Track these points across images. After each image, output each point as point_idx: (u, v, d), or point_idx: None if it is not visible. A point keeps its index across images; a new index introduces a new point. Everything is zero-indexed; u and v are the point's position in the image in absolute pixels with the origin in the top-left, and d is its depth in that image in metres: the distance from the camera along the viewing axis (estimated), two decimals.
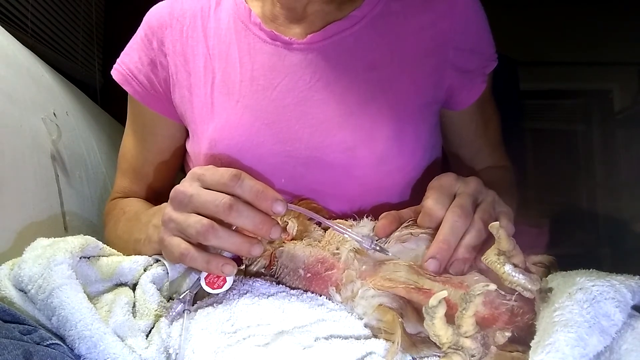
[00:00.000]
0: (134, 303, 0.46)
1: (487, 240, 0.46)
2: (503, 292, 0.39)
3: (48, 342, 0.36)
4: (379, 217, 0.49)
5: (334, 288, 0.47)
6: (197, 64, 0.63)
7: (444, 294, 0.35)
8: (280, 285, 0.49)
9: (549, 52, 2.44)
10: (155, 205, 0.60)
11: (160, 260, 0.51)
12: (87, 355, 0.38)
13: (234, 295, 0.47)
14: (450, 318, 0.37)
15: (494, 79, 0.69)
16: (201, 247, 0.45)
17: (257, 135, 0.59)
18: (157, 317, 0.45)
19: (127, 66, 0.67)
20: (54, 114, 0.82)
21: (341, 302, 0.46)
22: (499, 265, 0.39)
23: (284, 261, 0.50)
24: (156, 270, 0.49)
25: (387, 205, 0.61)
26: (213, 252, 0.45)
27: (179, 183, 0.48)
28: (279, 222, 0.49)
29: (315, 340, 0.41)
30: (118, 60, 0.68)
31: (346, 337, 0.41)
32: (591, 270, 0.38)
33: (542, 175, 2.55)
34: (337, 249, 0.49)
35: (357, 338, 0.42)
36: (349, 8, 0.62)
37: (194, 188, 0.46)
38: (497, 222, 0.38)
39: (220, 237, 0.43)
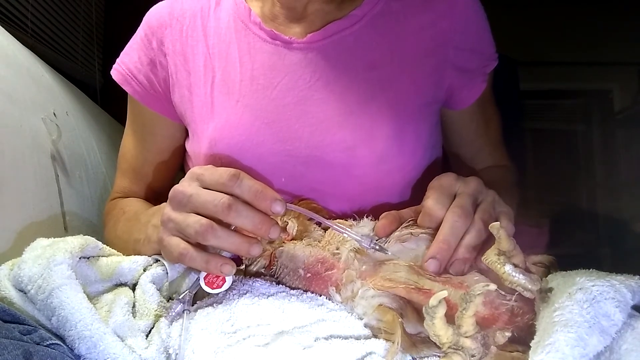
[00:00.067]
0: (134, 303, 0.46)
1: (487, 240, 0.46)
2: (503, 292, 0.39)
3: (48, 342, 0.36)
4: (379, 217, 0.49)
5: (334, 288, 0.47)
6: (197, 63, 0.63)
7: (444, 294, 0.35)
8: (280, 285, 0.49)
9: (549, 52, 2.44)
10: (155, 205, 0.60)
11: (159, 260, 0.51)
12: (87, 355, 0.38)
13: (233, 295, 0.47)
14: (450, 318, 0.37)
15: (494, 79, 0.69)
16: (200, 247, 0.45)
17: (257, 134, 0.59)
18: (157, 317, 0.45)
19: (126, 66, 0.67)
20: (54, 114, 0.82)
21: (341, 302, 0.46)
22: (499, 265, 0.39)
23: (283, 261, 0.50)
24: (156, 270, 0.49)
25: (387, 205, 0.61)
26: (212, 252, 0.45)
27: (178, 183, 0.48)
28: (279, 222, 0.49)
29: (315, 340, 0.41)
30: (118, 60, 0.68)
31: (346, 337, 0.41)
32: (591, 270, 0.38)
33: (542, 175, 2.55)
34: (337, 249, 0.49)
35: (357, 338, 0.42)
36: (349, 7, 0.62)
37: (193, 188, 0.46)
38: (498, 222, 0.38)
39: (219, 237, 0.43)
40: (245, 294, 0.47)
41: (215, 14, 0.65)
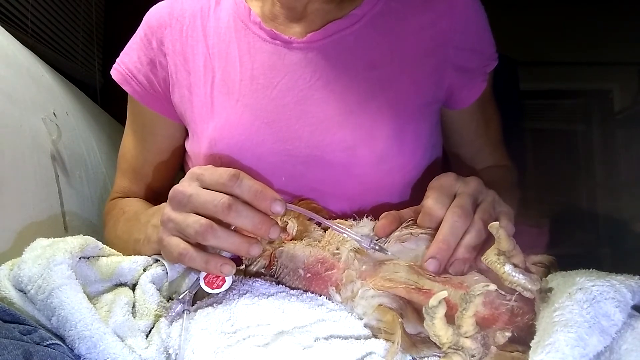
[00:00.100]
0: (134, 303, 0.46)
1: (487, 240, 0.46)
2: (503, 292, 0.39)
3: (48, 342, 0.36)
4: (379, 217, 0.49)
5: (334, 288, 0.47)
6: (197, 63, 0.63)
7: (444, 294, 0.35)
8: (280, 285, 0.49)
9: (549, 52, 2.44)
10: (155, 205, 0.60)
11: (159, 260, 0.51)
12: (87, 355, 0.38)
13: (233, 295, 0.47)
14: (450, 318, 0.37)
15: (494, 79, 0.69)
16: (200, 247, 0.45)
17: (257, 134, 0.59)
18: (157, 317, 0.45)
19: (126, 66, 0.67)
20: (54, 114, 0.82)
21: (341, 302, 0.46)
22: (499, 265, 0.39)
23: (283, 261, 0.50)
24: (155, 270, 0.49)
25: (387, 205, 0.61)
26: (212, 252, 0.45)
27: (178, 183, 0.48)
28: (279, 222, 0.49)
29: (315, 341, 0.41)
30: (117, 60, 0.68)
31: (346, 337, 0.41)
32: (591, 270, 0.38)
33: (542, 175, 2.55)
34: (337, 249, 0.49)
35: (357, 338, 0.42)
36: (349, 7, 0.62)
37: (193, 188, 0.46)
38: (497, 222, 0.38)
39: (219, 237, 0.43)
40: (245, 294, 0.47)
41: (215, 13, 0.65)
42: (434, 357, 0.40)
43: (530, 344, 0.34)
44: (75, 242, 0.45)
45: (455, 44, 0.63)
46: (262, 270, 0.51)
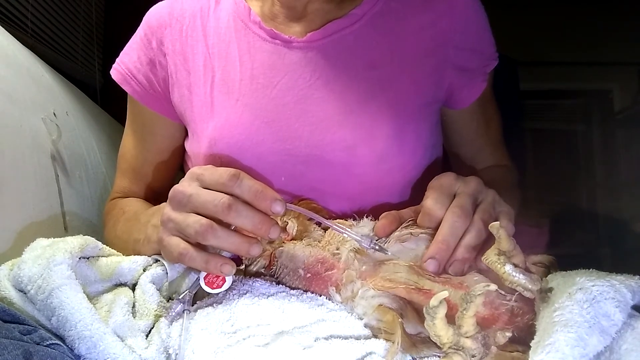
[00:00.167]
0: (134, 303, 0.46)
1: (487, 240, 0.45)
2: (503, 292, 0.39)
3: (48, 342, 0.36)
4: (379, 217, 0.49)
5: (334, 288, 0.47)
6: (197, 63, 0.63)
7: (445, 294, 0.35)
8: (280, 285, 0.49)
9: (549, 52, 2.44)
10: (155, 205, 0.60)
11: (159, 260, 0.51)
12: (87, 355, 0.38)
13: (233, 295, 0.47)
14: (450, 318, 0.37)
15: (494, 79, 0.69)
16: (200, 246, 0.45)
17: (257, 133, 0.59)
18: (157, 317, 0.45)
19: (126, 66, 0.67)
20: (54, 114, 0.82)
21: (341, 302, 0.46)
22: (499, 265, 0.39)
23: (283, 261, 0.50)
24: (155, 270, 0.49)
25: (387, 205, 0.61)
26: (212, 252, 0.45)
27: (178, 183, 0.48)
28: (279, 222, 0.49)
29: (315, 341, 0.41)
30: (117, 60, 0.68)
31: (346, 337, 0.41)
32: (591, 270, 0.38)
33: (542, 175, 2.55)
34: (337, 249, 0.49)
35: (357, 338, 0.41)
36: (349, 6, 0.62)
37: (193, 188, 0.46)
38: (498, 222, 0.38)
39: (219, 237, 0.43)
40: (245, 294, 0.47)
41: (215, 13, 0.65)
42: (434, 357, 0.40)
43: (530, 344, 0.34)
44: (75, 242, 0.45)
45: (455, 43, 0.63)
46: (262, 270, 0.51)
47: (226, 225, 0.44)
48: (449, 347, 0.37)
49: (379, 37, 0.61)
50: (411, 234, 0.47)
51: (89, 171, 0.91)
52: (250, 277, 0.51)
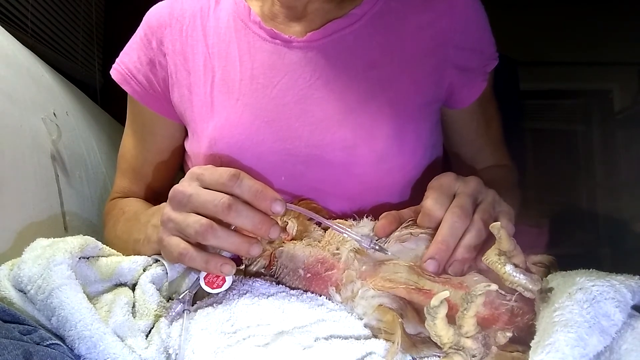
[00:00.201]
0: (134, 303, 0.46)
1: (487, 240, 0.45)
2: (503, 292, 0.39)
3: (48, 342, 0.36)
4: (379, 217, 0.49)
5: (334, 288, 0.47)
6: (197, 62, 0.63)
7: (445, 294, 0.35)
8: (280, 285, 0.49)
9: (549, 52, 2.44)
10: (155, 205, 0.60)
11: (159, 260, 0.51)
12: (87, 355, 0.38)
13: (233, 295, 0.47)
14: (450, 318, 0.37)
15: (494, 79, 0.69)
16: (200, 246, 0.45)
17: (257, 133, 0.59)
18: (157, 317, 0.45)
19: (126, 66, 0.67)
20: (54, 114, 0.82)
21: (341, 302, 0.46)
22: (499, 266, 0.39)
23: (283, 261, 0.50)
24: (155, 270, 0.49)
25: (387, 205, 0.61)
26: (212, 252, 0.45)
27: (178, 183, 0.48)
28: (279, 222, 0.49)
29: (315, 341, 0.41)
30: (117, 60, 0.68)
31: (346, 337, 0.41)
32: (591, 270, 0.38)
33: (542, 175, 2.55)
34: (337, 249, 0.49)
35: (357, 338, 0.41)
36: (349, 6, 0.62)
37: (193, 188, 0.46)
38: (498, 223, 0.38)
39: (219, 237, 0.43)
40: (245, 294, 0.47)
41: (214, 13, 0.65)
42: (434, 357, 0.40)
43: (530, 344, 0.34)
44: (75, 242, 0.45)
45: (455, 43, 0.63)
46: (262, 270, 0.51)
47: (226, 225, 0.44)
48: (450, 347, 0.37)
49: (379, 36, 0.61)
50: (411, 234, 0.47)
51: (89, 171, 0.91)
52: (250, 277, 0.51)
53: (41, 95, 0.81)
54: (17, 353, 0.32)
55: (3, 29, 0.77)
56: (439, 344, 0.38)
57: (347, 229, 0.46)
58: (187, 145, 0.67)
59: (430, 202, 0.47)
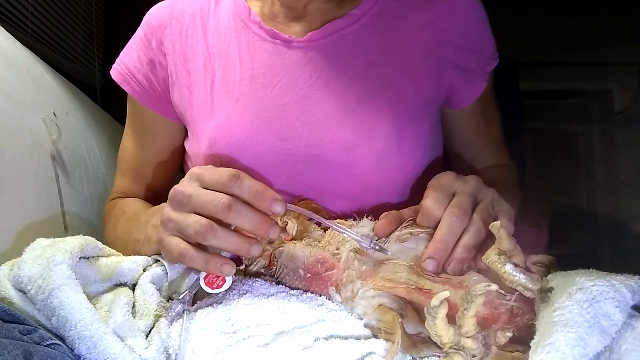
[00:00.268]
0: (134, 303, 0.46)
1: (487, 240, 0.45)
2: (503, 292, 0.39)
3: (48, 342, 0.36)
4: (379, 217, 0.49)
5: (334, 288, 0.47)
6: (197, 62, 0.63)
7: (446, 294, 0.35)
8: (280, 286, 0.49)
9: (549, 52, 2.44)
10: (155, 205, 0.60)
11: (159, 261, 0.51)
12: (87, 355, 0.38)
13: (233, 295, 0.47)
14: (450, 318, 0.37)
15: (494, 79, 0.69)
16: (200, 247, 0.45)
17: (257, 133, 0.59)
18: (157, 318, 0.45)
19: (126, 66, 0.67)
20: (54, 114, 0.82)
21: (341, 302, 0.46)
22: (499, 265, 0.39)
23: (283, 261, 0.50)
24: (155, 270, 0.49)
25: (387, 205, 0.61)
26: (212, 252, 0.45)
27: (178, 183, 0.48)
28: (279, 222, 0.49)
29: (315, 341, 0.41)
30: (117, 60, 0.68)
31: (346, 337, 0.41)
32: (591, 270, 0.38)
33: (542, 175, 2.55)
34: (337, 249, 0.49)
35: (357, 338, 0.41)
36: (349, 6, 0.62)
37: (193, 188, 0.46)
38: (498, 222, 0.38)
39: (219, 237, 0.43)
40: (245, 294, 0.47)
41: (215, 13, 0.65)
42: (434, 357, 0.40)
43: (530, 344, 0.34)
44: (75, 242, 0.45)
45: (455, 43, 0.63)
46: (262, 270, 0.51)
47: (226, 226, 0.44)
48: (450, 347, 0.37)
49: (379, 37, 0.61)
50: (411, 233, 0.47)
51: (89, 171, 0.91)
52: (250, 277, 0.51)
53: (41, 95, 0.81)
54: (17, 353, 0.32)
55: (3, 29, 0.77)
56: (439, 344, 0.38)
57: (347, 229, 0.46)
58: (187, 145, 0.68)
59: (430, 202, 0.47)
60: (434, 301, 0.36)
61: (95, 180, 0.92)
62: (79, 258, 0.45)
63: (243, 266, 0.52)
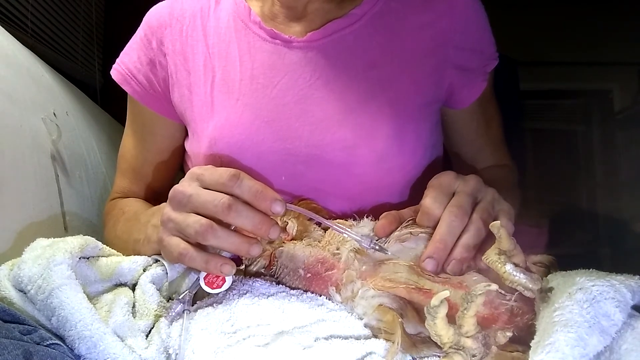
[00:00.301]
0: (134, 303, 0.46)
1: (487, 240, 0.45)
2: (503, 292, 0.39)
3: (48, 342, 0.36)
4: (379, 217, 0.49)
5: (334, 288, 0.47)
6: (197, 62, 0.63)
7: (446, 294, 0.35)
8: (280, 285, 0.49)
9: (549, 52, 2.44)
10: (155, 205, 0.60)
11: (159, 261, 0.51)
12: (87, 355, 0.38)
13: (233, 295, 0.47)
14: (450, 318, 0.37)
15: (494, 79, 0.69)
16: (200, 247, 0.45)
17: (257, 133, 0.59)
18: (157, 317, 0.45)
19: (126, 66, 0.67)
20: (54, 114, 0.82)
21: (341, 302, 0.46)
22: (499, 265, 0.39)
23: (283, 261, 0.50)
24: (155, 270, 0.49)
25: (387, 205, 0.61)
26: (212, 252, 0.45)
27: (178, 183, 0.48)
28: (279, 222, 0.49)
29: (315, 341, 0.41)
30: (117, 60, 0.68)
31: (346, 337, 0.41)
32: (591, 270, 0.38)
33: (542, 175, 2.55)
34: (337, 249, 0.49)
35: (357, 338, 0.41)
36: (349, 6, 0.62)
37: (193, 188, 0.46)
38: (498, 222, 0.38)
39: (219, 237, 0.43)
40: (245, 294, 0.47)
41: (215, 13, 0.65)
42: (434, 357, 0.40)
43: (530, 344, 0.34)
44: (75, 242, 0.45)
45: (455, 43, 0.63)
46: (262, 270, 0.51)
47: (226, 226, 0.44)
48: (450, 347, 0.37)
49: (379, 37, 0.61)
50: (411, 233, 0.47)
51: (89, 171, 0.91)
52: (250, 277, 0.51)
53: (41, 95, 0.81)
54: (17, 353, 0.32)
55: (3, 29, 0.77)
56: (439, 344, 0.38)
57: (347, 229, 0.46)
58: (187, 145, 0.68)
59: (429, 201, 0.47)
60: (434, 301, 0.36)
61: (95, 180, 0.92)
62: (79, 258, 0.45)
63: (243, 266, 0.52)
